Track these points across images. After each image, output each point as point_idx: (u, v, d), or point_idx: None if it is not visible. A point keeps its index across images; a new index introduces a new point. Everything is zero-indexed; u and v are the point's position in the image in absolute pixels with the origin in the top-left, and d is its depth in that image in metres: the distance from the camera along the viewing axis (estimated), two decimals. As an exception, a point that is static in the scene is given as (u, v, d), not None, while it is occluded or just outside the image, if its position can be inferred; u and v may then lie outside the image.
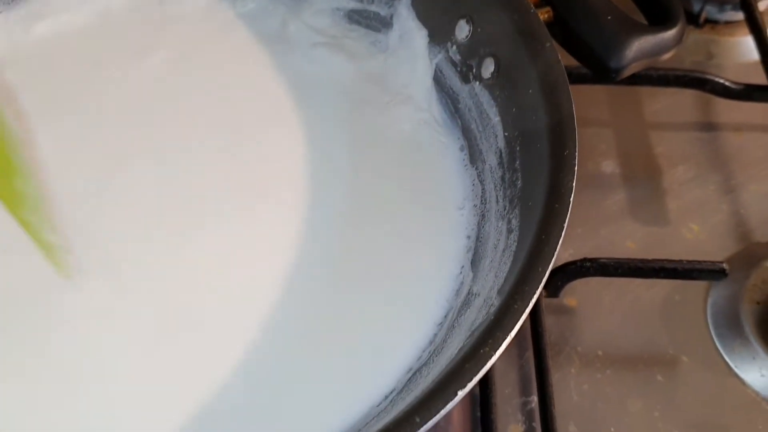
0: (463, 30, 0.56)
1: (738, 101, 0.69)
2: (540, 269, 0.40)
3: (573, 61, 0.54)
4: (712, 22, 0.78)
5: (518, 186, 0.48)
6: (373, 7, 0.62)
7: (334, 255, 0.51)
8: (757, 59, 0.70)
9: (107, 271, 0.49)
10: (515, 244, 0.45)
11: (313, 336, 0.47)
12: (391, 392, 0.44)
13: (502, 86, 0.53)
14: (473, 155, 0.55)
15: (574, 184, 0.43)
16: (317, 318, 0.48)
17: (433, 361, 0.44)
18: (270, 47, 0.61)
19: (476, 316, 0.43)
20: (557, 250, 0.40)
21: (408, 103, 0.58)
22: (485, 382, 0.53)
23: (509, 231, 0.47)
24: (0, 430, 0.44)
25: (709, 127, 0.71)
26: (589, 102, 0.70)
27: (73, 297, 0.48)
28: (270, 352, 0.46)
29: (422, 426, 0.35)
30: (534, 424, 0.54)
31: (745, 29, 0.73)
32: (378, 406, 0.44)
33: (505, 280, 0.42)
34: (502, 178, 0.50)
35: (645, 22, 0.55)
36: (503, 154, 0.51)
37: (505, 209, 0.49)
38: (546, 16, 0.53)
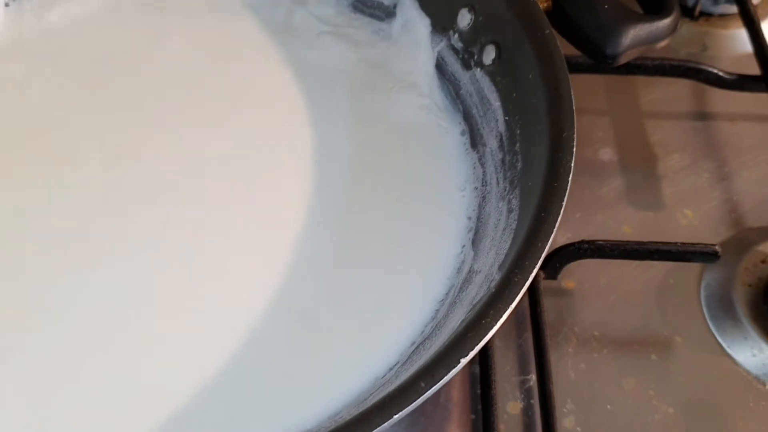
0: (465, 18, 0.58)
1: (731, 91, 0.71)
2: (539, 245, 0.41)
3: (572, 51, 0.55)
4: (706, 15, 0.79)
5: (518, 168, 0.50)
6: (377, -4, 0.64)
7: (338, 236, 0.52)
8: (749, 51, 0.71)
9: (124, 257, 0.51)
10: (515, 222, 0.46)
11: (318, 312, 0.49)
12: (395, 364, 0.46)
13: (502, 72, 0.54)
14: (474, 139, 0.57)
15: (572, 165, 0.44)
16: (323, 296, 0.50)
17: (435, 335, 0.46)
18: (276, 36, 0.63)
19: (477, 292, 0.44)
20: (556, 226, 0.42)
21: (410, 90, 0.60)
22: (485, 361, 0.55)
23: (509, 211, 0.48)
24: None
25: (703, 116, 0.72)
26: (587, 91, 0.71)
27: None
28: (277, 327, 0.48)
29: (426, 391, 0.36)
30: (532, 401, 0.55)
31: (739, 22, 0.75)
32: (383, 377, 0.45)
33: (505, 257, 0.43)
34: (503, 161, 0.52)
35: (641, 11, 0.56)
36: (504, 138, 0.53)
37: (505, 190, 0.50)
38: (545, 4, 0.54)
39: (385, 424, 0.35)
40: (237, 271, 0.51)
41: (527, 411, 0.55)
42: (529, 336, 0.57)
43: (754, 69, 0.70)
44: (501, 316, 0.39)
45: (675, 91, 0.73)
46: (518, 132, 0.51)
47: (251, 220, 0.53)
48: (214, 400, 0.45)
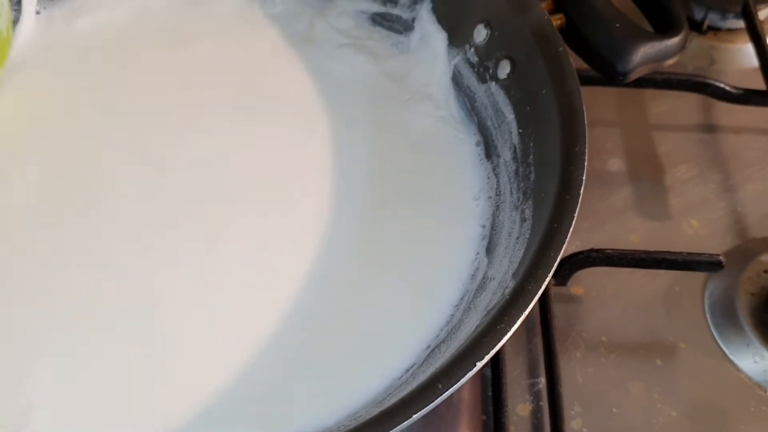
0: (481, 33, 0.59)
1: (737, 105, 0.72)
2: (552, 254, 0.43)
3: (583, 65, 0.57)
4: (714, 30, 0.81)
5: (531, 179, 0.52)
6: (396, 11, 0.65)
7: (357, 241, 0.54)
8: (756, 65, 0.73)
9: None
10: (528, 232, 0.48)
11: (338, 316, 0.51)
12: (411, 366, 0.48)
13: (517, 86, 0.56)
14: (489, 150, 0.59)
15: (584, 178, 0.46)
16: (343, 300, 0.52)
17: (450, 338, 0.48)
18: (297, 47, 0.65)
19: (491, 298, 0.46)
20: (568, 237, 0.44)
21: (427, 101, 0.62)
22: (497, 364, 0.56)
23: (522, 220, 0.50)
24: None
25: (709, 128, 0.74)
26: (597, 103, 0.73)
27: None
28: (300, 330, 0.50)
29: (444, 392, 0.38)
30: (541, 403, 0.57)
31: (746, 36, 0.76)
32: (399, 378, 0.47)
33: (519, 265, 0.45)
34: (516, 172, 0.54)
35: (651, 29, 0.58)
36: (517, 150, 0.55)
37: (518, 200, 0.52)
38: (559, 22, 0.56)
39: (404, 423, 0.37)
40: (260, 275, 0.52)
41: (536, 413, 0.56)
42: (539, 341, 0.59)
43: (760, 83, 0.72)
44: (515, 323, 0.41)
45: (683, 104, 0.75)
46: (531, 144, 0.53)
47: (273, 226, 0.55)
48: (236, 400, 0.47)
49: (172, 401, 0.47)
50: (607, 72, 0.55)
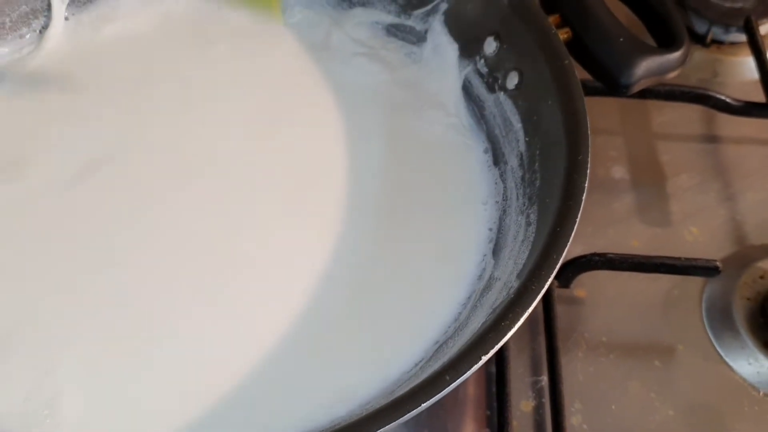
0: (491, 46, 0.62)
1: (738, 116, 0.75)
2: (555, 257, 0.46)
3: (588, 75, 0.59)
4: (717, 43, 0.83)
5: (537, 185, 0.54)
6: (410, 22, 0.68)
7: (370, 243, 0.57)
8: (757, 78, 0.75)
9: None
10: (533, 235, 0.51)
11: (352, 313, 0.53)
12: (420, 360, 0.50)
13: (524, 97, 0.59)
14: (496, 157, 0.61)
15: (586, 185, 0.49)
16: (357, 298, 0.54)
17: (457, 335, 0.50)
18: (314, 55, 0.67)
19: (497, 297, 0.49)
20: (570, 240, 0.46)
21: (438, 109, 0.64)
22: (501, 361, 0.59)
23: (528, 224, 0.53)
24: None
25: (711, 139, 0.76)
26: (602, 113, 0.75)
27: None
28: (315, 326, 0.53)
29: (451, 383, 0.40)
30: (543, 400, 0.59)
31: (748, 50, 0.78)
32: (409, 372, 0.50)
33: (523, 266, 0.48)
34: (522, 178, 0.56)
35: (654, 44, 0.61)
36: (524, 157, 0.57)
37: (524, 205, 0.55)
38: (565, 35, 0.58)
39: (414, 411, 0.40)
40: (276, 276, 0.55)
41: (538, 409, 0.59)
42: (542, 340, 0.61)
43: (761, 96, 0.74)
44: (518, 320, 0.43)
45: (685, 115, 0.77)
46: (537, 153, 0.55)
47: (290, 228, 0.58)
48: (254, 391, 0.50)
49: (195, 392, 0.50)
50: (611, 84, 0.58)
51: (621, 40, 0.57)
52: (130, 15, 0.69)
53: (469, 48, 0.64)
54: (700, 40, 0.82)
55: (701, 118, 0.77)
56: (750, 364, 0.61)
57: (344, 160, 0.61)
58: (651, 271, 0.62)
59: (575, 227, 0.47)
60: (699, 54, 0.82)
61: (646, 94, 0.71)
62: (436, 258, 0.56)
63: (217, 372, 0.50)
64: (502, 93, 0.61)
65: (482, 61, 0.63)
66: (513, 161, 0.58)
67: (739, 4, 0.82)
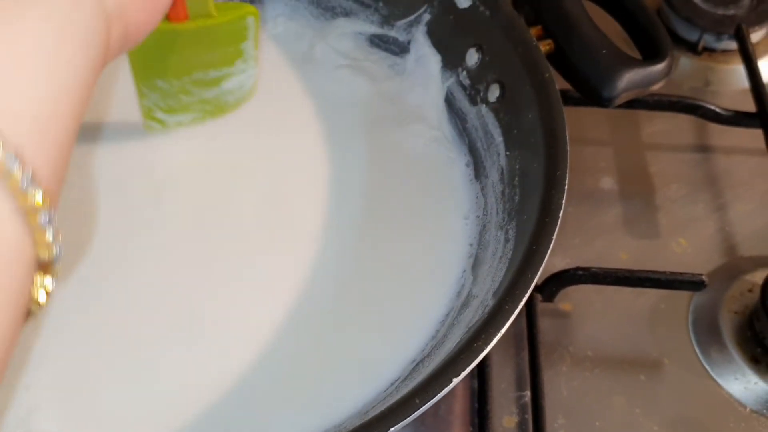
0: (472, 57, 0.61)
1: (728, 126, 0.74)
2: (530, 275, 0.45)
3: (574, 86, 0.59)
4: (709, 50, 0.82)
5: (516, 200, 0.54)
6: (393, 33, 0.67)
7: (350, 256, 0.56)
8: (749, 87, 0.75)
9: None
10: (511, 252, 0.50)
11: (328, 329, 0.53)
12: (396, 380, 0.50)
13: (505, 110, 0.58)
14: (478, 171, 0.61)
15: (563, 202, 0.48)
16: (333, 315, 0.54)
17: (434, 353, 0.50)
18: (297, 67, 0.67)
19: (473, 315, 0.48)
20: (545, 259, 0.46)
21: (421, 122, 0.64)
22: (483, 377, 0.58)
23: (506, 240, 0.52)
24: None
25: (700, 149, 0.75)
26: (590, 123, 0.75)
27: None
28: (291, 341, 0.52)
29: (421, 407, 0.40)
30: (526, 416, 0.58)
31: (740, 58, 0.78)
32: (385, 391, 0.49)
33: (499, 284, 0.47)
34: (503, 193, 0.56)
35: (639, 55, 0.60)
36: (504, 171, 0.57)
37: (503, 220, 0.54)
38: (547, 48, 0.58)
39: (383, 435, 0.39)
40: (253, 290, 0.55)
41: (521, 425, 0.58)
42: (526, 354, 0.61)
43: (752, 105, 0.73)
44: (491, 341, 0.43)
45: (675, 125, 0.76)
46: (517, 167, 0.55)
47: (268, 241, 0.57)
48: (227, 411, 0.49)
49: (167, 410, 0.49)
50: (593, 97, 0.57)
51: (603, 52, 0.57)
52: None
53: (451, 59, 0.64)
54: (691, 48, 0.82)
55: (691, 128, 0.76)
56: (737, 379, 0.60)
57: (325, 174, 0.61)
58: (636, 286, 0.62)
59: (551, 245, 0.46)
60: (690, 62, 0.82)
61: (635, 104, 0.71)
62: (416, 274, 0.56)
63: (194, 395, 0.50)
64: (483, 105, 0.60)
65: (464, 72, 0.62)
66: (494, 175, 0.58)
67: (730, 12, 0.81)
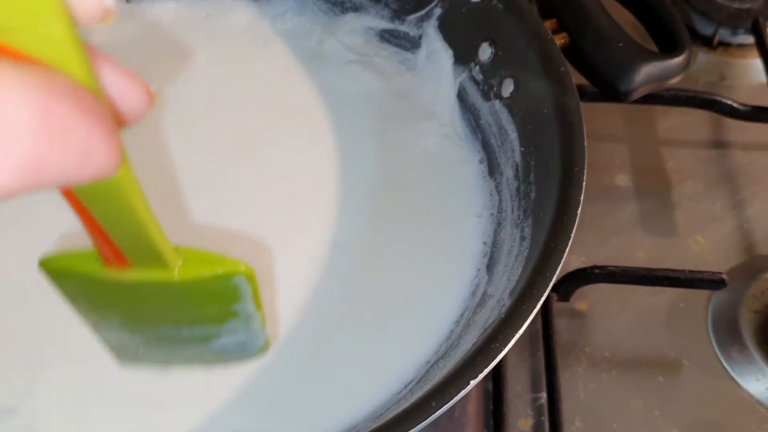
0: (486, 52, 0.60)
1: (745, 122, 0.72)
2: (548, 274, 0.44)
3: (589, 81, 0.58)
4: (725, 45, 0.81)
5: (532, 197, 0.52)
6: (403, 28, 0.66)
7: (361, 256, 0.55)
8: (766, 81, 0.73)
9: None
10: (527, 250, 0.49)
11: (341, 328, 0.52)
12: (411, 381, 0.49)
13: (520, 105, 0.57)
14: (492, 168, 0.59)
15: (581, 198, 0.47)
16: (346, 315, 0.53)
17: (449, 354, 0.49)
18: (306, 63, 0.66)
19: (489, 315, 0.47)
20: (564, 257, 0.44)
21: (432, 118, 0.62)
22: (498, 378, 0.57)
23: (522, 238, 0.51)
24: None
25: (717, 145, 0.74)
26: (605, 119, 0.73)
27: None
28: (304, 341, 0.51)
29: (437, 410, 0.39)
30: (542, 418, 0.57)
31: (756, 52, 0.76)
32: (399, 393, 0.48)
33: (516, 283, 0.46)
34: (518, 190, 0.55)
35: (656, 48, 0.59)
36: (519, 168, 0.55)
37: (519, 218, 0.53)
38: (562, 41, 0.57)
39: (398, 439, 0.38)
40: (262, 290, 0.53)
41: (537, 427, 0.57)
42: (541, 355, 0.59)
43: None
44: (509, 341, 0.41)
45: (691, 120, 0.75)
46: (533, 163, 0.54)
47: (279, 238, 0.56)
48: (235, 414, 0.48)
49: (171, 417, 0.48)
50: (610, 92, 0.56)
51: (620, 45, 0.55)
52: (116, 23, 0.67)
53: (464, 54, 0.62)
54: (706, 42, 0.81)
55: (708, 123, 0.75)
56: (758, 380, 0.59)
57: (335, 171, 0.60)
58: (654, 284, 0.60)
59: (570, 243, 0.45)
60: (706, 57, 0.81)
61: (650, 99, 0.69)
62: (429, 273, 0.55)
63: (201, 395, 0.49)
64: (497, 101, 0.59)
65: (477, 68, 0.61)
66: (508, 172, 0.56)
67: (746, 5, 0.80)
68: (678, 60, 0.56)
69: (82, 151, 0.22)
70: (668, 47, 0.57)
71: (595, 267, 0.60)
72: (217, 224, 0.56)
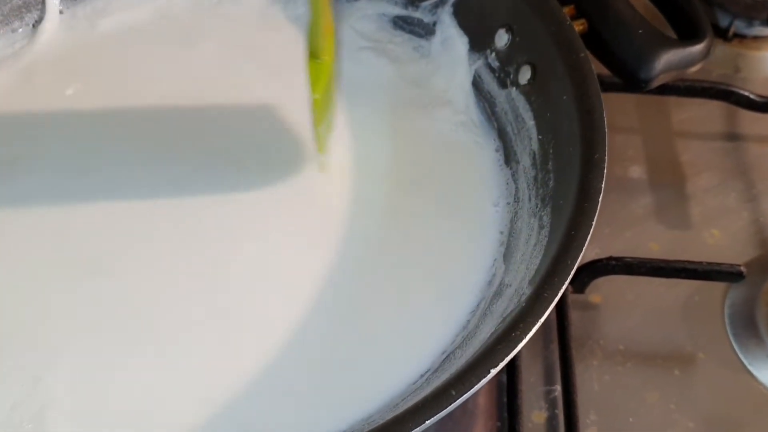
0: (502, 38, 0.59)
1: (762, 113, 0.72)
2: (569, 262, 0.43)
3: (605, 70, 0.57)
4: (740, 37, 0.80)
5: (550, 186, 0.52)
6: (417, 14, 0.65)
7: (377, 245, 0.55)
8: (782, 73, 0.73)
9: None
10: (546, 239, 0.48)
11: (357, 319, 0.51)
12: (427, 371, 0.48)
13: (537, 92, 0.56)
14: (508, 156, 0.59)
15: (603, 186, 0.46)
16: (361, 303, 0.52)
17: (466, 344, 0.48)
18: (319, 49, 0.65)
19: (507, 305, 0.46)
20: (585, 245, 0.44)
21: (447, 106, 0.62)
22: (512, 371, 0.56)
23: (540, 227, 0.50)
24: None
25: (733, 137, 0.73)
26: (619, 109, 0.72)
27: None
28: (319, 332, 0.50)
29: (457, 399, 0.38)
30: (556, 411, 0.56)
31: (772, 44, 0.76)
32: (414, 383, 0.47)
33: (535, 272, 0.45)
34: (535, 178, 0.54)
35: (675, 36, 0.58)
36: (537, 156, 0.54)
37: (537, 207, 0.52)
38: (581, 27, 0.56)
39: (417, 429, 0.37)
40: (280, 278, 0.53)
41: (551, 420, 0.56)
42: (555, 347, 0.59)
43: (785, 92, 0.71)
44: (530, 330, 0.41)
45: (706, 112, 0.74)
46: (551, 151, 0.53)
47: (293, 228, 0.55)
48: (253, 403, 0.47)
49: (185, 407, 0.48)
50: (629, 79, 0.55)
51: (640, 32, 0.55)
52: (126, 8, 0.67)
53: (479, 41, 0.62)
54: (721, 33, 0.80)
55: (723, 115, 0.74)
56: (775, 374, 0.58)
57: (349, 160, 0.59)
58: (671, 276, 0.60)
59: (591, 230, 0.44)
60: (721, 48, 0.80)
61: (665, 90, 0.69)
62: (446, 262, 0.54)
63: (216, 385, 0.48)
64: (514, 88, 0.58)
65: (493, 54, 0.60)
66: (525, 160, 0.56)
67: (762, -3, 0.79)
68: (699, 47, 0.55)
69: None
70: (688, 35, 0.56)
71: (611, 258, 0.59)
72: (227, 211, 0.56)
